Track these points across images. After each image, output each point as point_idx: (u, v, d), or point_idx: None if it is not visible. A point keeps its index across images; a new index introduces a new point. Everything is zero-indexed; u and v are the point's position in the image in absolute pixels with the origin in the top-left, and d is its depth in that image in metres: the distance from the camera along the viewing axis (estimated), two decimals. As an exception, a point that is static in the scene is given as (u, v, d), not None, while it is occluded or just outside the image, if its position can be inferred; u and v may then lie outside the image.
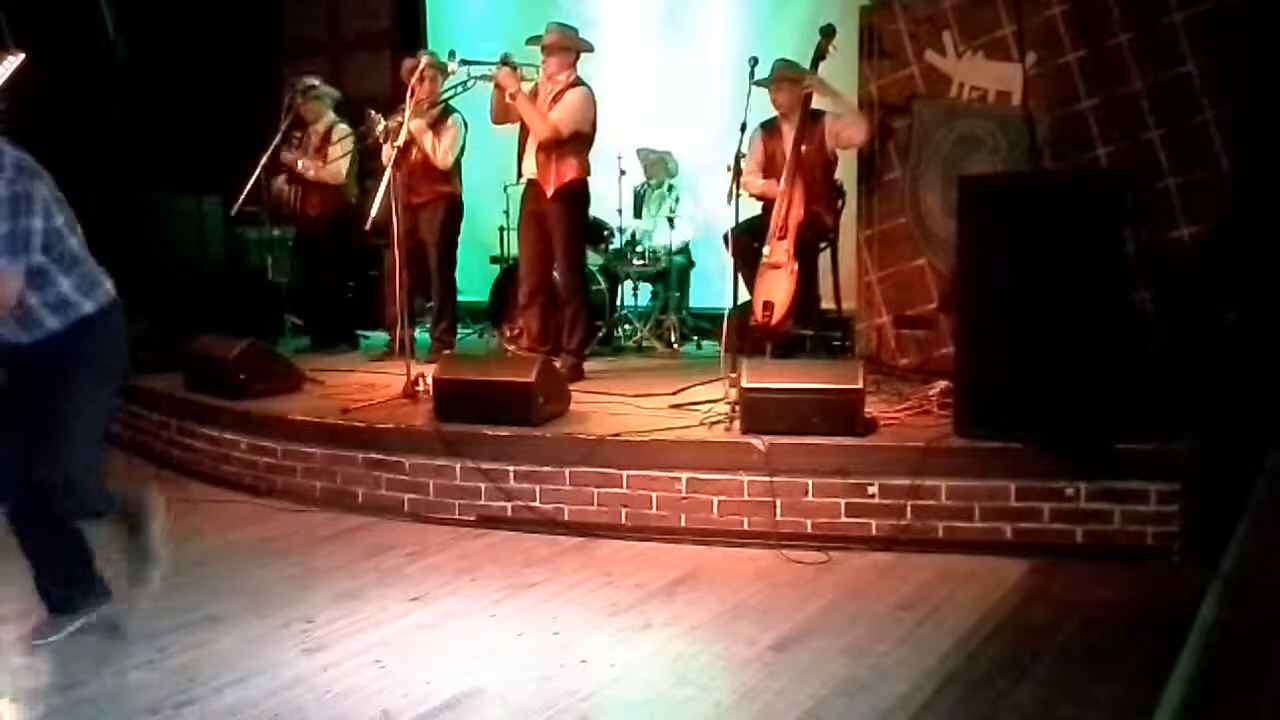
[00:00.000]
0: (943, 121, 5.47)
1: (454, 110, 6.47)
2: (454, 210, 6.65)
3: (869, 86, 5.67)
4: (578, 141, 5.73)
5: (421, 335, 6.73)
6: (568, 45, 5.81)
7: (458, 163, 6.60)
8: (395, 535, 4.57)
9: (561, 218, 5.76)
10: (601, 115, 5.81)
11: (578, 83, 5.77)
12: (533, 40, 5.89)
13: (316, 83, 7.03)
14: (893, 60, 5.55)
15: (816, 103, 5.61)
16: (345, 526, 4.71)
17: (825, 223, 5.75)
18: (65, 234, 3.15)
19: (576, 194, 5.82)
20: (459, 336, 7.20)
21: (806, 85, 5.55)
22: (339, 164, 6.91)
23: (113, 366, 3.37)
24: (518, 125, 5.86)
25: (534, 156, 5.76)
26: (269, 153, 6.59)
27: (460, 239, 6.81)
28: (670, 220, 7.21)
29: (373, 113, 6.38)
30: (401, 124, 5.90)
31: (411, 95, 5.91)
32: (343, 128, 6.92)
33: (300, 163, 6.89)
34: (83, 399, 3.22)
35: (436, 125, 6.40)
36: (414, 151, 6.30)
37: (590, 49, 5.94)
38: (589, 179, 5.89)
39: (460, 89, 6.03)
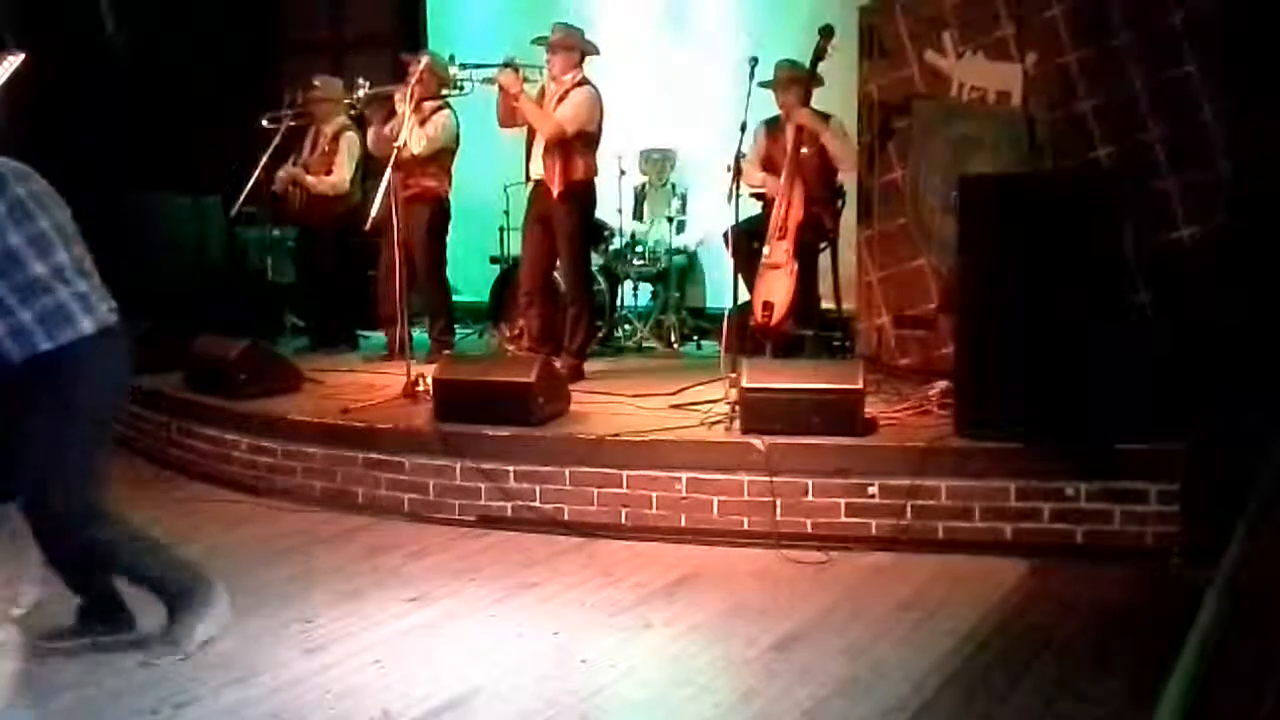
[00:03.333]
0: (943, 121, 5.47)
1: (448, 107, 6.46)
2: (440, 209, 6.58)
3: (869, 86, 5.67)
4: (584, 141, 5.73)
5: (420, 335, 6.72)
6: (572, 45, 5.81)
7: (446, 160, 6.55)
8: (395, 535, 4.57)
9: (567, 218, 5.76)
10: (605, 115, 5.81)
11: (583, 82, 5.77)
12: (538, 40, 5.89)
13: (318, 82, 7.02)
14: (893, 60, 5.55)
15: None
16: (345, 526, 4.70)
17: (825, 223, 5.76)
18: (26, 259, 2.97)
19: (583, 194, 5.81)
20: (459, 336, 7.19)
21: (801, 118, 5.54)
22: (344, 175, 6.89)
23: (81, 408, 3.13)
24: (525, 127, 5.86)
25: (540, 157, 5.75)
26: (269, 152, 6.58)
27: (460, 239, 6.79)
28: (671, 220, 7.21)
29: (360, 79, 6.40)
30: (387, 100, 6.00)
31: (412, 96, 5.90)
32: (351, 135, 6.90)
33: (308, 179, 6.87)
34: (44, 441, 3.06)
35: (428, 119, 6.38)
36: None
37: (596, 51, 5.94)
38: (595, 179, 5.89)
39: (458, 91, 6.06)
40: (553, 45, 5.79)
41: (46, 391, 3.08)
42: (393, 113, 6.24)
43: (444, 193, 6.59)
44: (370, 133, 6.50)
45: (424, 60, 6.05)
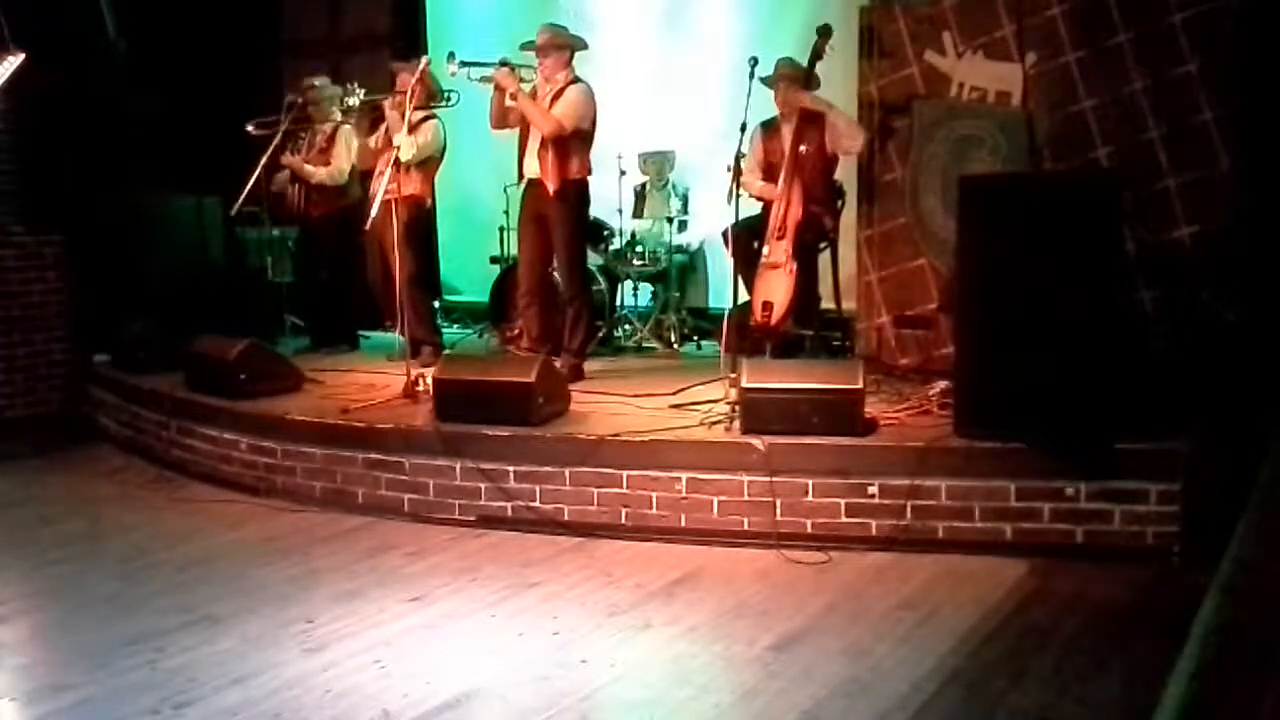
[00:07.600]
0: (943, 121, 5.47)
1: (436, 117, 6.46)
2: (419, 214, 6.50)
3: (869, 86, 5.67)
4: (579, 139, 5.72)
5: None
6: (561, 44, 5.80)
7: (431, 168, 6.51)
8: (395, 535, 4.57)
9: (563, 217, 5.75)
10: (601, 116, 5.80)
11: (576, 80, 5.78)
12: (526, 45, 5.88)
13: (317, 83, 7.01)
14: (893, 60, 5.55)
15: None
16: (345, 526, 4.71)
17: (824, 223, 5.74)
18: None
19: (578, 192, 5.81)
20: (460, 336, 7.17)
21: (803, 100, 5.54)
22: (341, 166, 6.90)
23: None
24: (517, 128, 5.85)
25: (535, 156, 5.74)
26: (269, 152, 6.58)
27: (460, 239, 6.78)
28: (671, 220, 7.20)
29: (353, 85, 6.38)
30: (371, 105, 6.04)
31: (412, 96, 5.89)
32: (347, 130, 6.91)
33: (306, 167, 6.89)
34: None
35: (416, 127, 6.35)
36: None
37: (584, 46, 5.94)
38: (590, 178, 5.89)
39: (445, 103, 6.06)
40: (543, 47, 5.78)
41: None
42: (378, 123, 6.28)
43: (426, 199, 6.54)
44: (356, 142, 6.53)
45: (424, 61, 6.05)
